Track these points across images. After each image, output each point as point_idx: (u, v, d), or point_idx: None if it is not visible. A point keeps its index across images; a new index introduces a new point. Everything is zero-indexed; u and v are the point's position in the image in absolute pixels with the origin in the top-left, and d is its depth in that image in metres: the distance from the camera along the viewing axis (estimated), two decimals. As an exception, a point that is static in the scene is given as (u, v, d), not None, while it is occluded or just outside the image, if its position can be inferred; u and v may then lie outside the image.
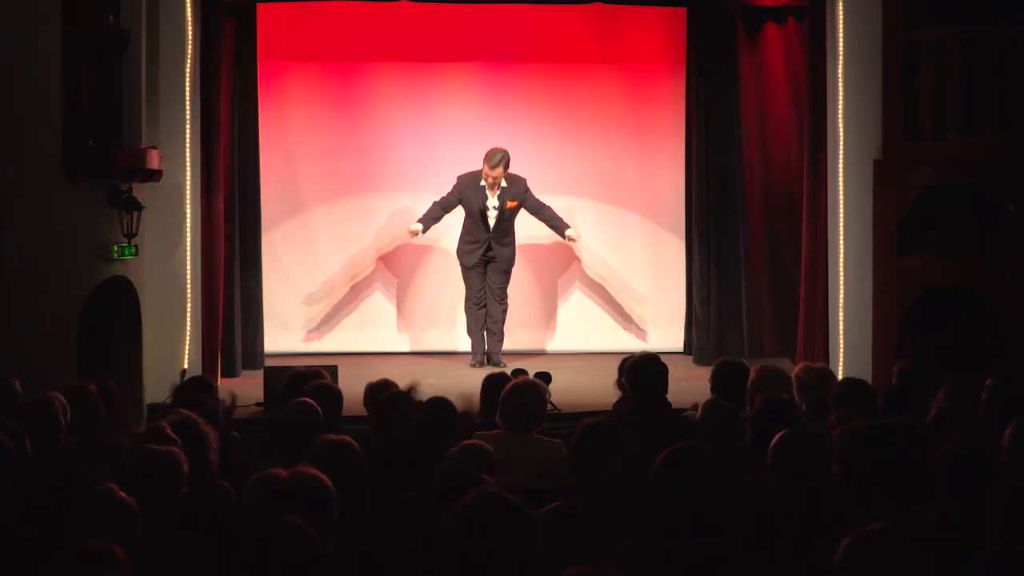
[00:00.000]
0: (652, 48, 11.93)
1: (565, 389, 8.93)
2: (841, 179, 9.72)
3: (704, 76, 11.54)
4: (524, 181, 10.96)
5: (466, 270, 11.05)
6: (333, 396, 6.50)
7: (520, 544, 3.44)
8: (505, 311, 11.07)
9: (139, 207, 8.87)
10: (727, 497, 4.14)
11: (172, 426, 5.10)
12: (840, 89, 9.68)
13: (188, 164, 9.75)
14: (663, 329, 12.01)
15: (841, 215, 9.73)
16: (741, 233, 11.46)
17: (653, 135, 11.95)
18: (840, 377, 7.97)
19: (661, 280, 12.03)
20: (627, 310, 12.02)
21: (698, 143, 11.56)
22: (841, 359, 9.68)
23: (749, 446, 5.49)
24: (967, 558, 3.93)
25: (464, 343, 11.37)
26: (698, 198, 11.60)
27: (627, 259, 12.02)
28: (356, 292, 11.89)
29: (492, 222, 10.88)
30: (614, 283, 12.03)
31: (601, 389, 8.10)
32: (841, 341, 9.76)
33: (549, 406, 6.47)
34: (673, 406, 6.64)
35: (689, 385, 8.23)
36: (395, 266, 11.91)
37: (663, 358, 6.72)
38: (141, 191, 9.02)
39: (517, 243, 11.13)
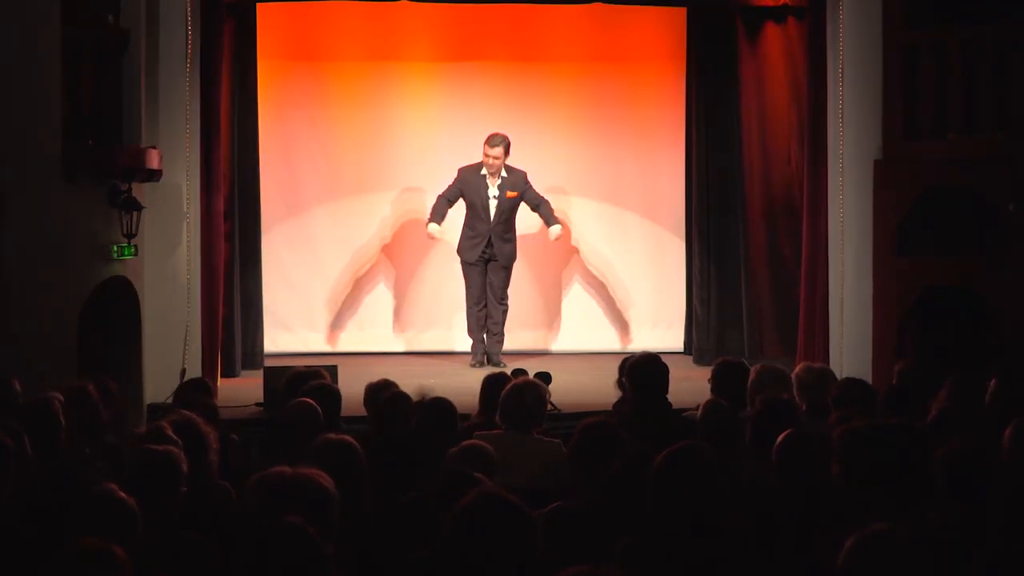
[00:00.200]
0: (652, 48, 11.94)
1: (565, 389, 8.92)
2: (841, 179, 9.71)
3: (704, 76, 11.55)
4: (524, 174, 10.96)
5: (467, 267, 11.03)
6: (333, 396, 6.51)
7: (520, 544, 3.44)
8: (505, 312, 11.06)
9: (139, 207, 8.85)
10: (727, 497, 4.14)
11: (172, 426, 5.10)
12: (840, 89, 9.67)
13: (188, 164, 9.74)
14: (663, 329, 12.01)
15: (841, 215, 9.73)
16: (741, 233, 11.47)
17: (653, 135, 11.95)
18: (840, 377, 7.96)
19: (661, 280, 12.03)
20: (627, 310, 12.03)
21: (698, 143, 11.57)
22: (841, 359, 9.66)
23: (749, 446, 5.49)
24: (967, 558, 3.93)
25: (463, 343, 11.36)
26: (698, 198, 11.60)
27: (627, 259, 12.02)
28: (356, 292, 11.89)
29: (493, 212, 10.87)
30: (614, 283, 12.03)
31: (601, 389, 8.08)
32: (841, 341, 9.75)
33: (549, 406, 6.48)
34: (673, 406, 6.64)
35: (689, 385, 8.24)
36: (395, 266, 11.91)
37: (663, 358, 6.71)
38: (141, 191, 9.01)
39: (518, 242, 11.12)
